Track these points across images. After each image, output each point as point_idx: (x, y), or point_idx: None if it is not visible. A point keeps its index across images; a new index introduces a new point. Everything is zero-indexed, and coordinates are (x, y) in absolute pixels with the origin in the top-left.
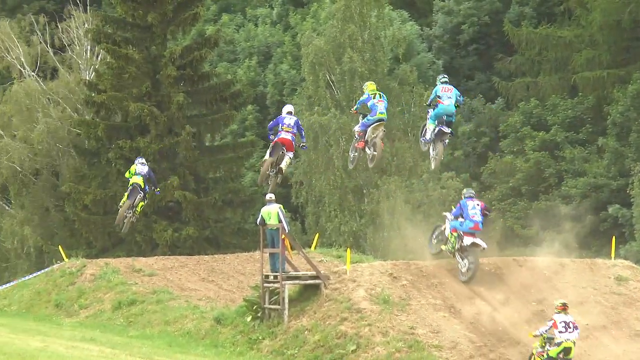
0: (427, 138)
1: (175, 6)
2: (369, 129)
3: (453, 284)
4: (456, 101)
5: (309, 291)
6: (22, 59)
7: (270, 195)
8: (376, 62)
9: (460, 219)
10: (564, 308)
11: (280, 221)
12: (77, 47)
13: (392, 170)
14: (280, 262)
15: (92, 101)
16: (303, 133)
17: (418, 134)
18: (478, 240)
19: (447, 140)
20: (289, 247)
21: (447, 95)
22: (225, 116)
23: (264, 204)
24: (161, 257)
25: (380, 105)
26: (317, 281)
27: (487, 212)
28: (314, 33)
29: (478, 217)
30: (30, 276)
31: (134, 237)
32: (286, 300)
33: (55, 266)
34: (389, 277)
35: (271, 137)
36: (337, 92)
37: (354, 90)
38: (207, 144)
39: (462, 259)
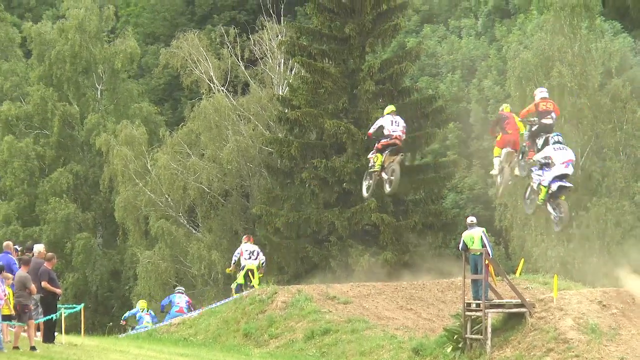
0: None
1: (375, 17)
2: None
3: None
4: None
5: (514, 320)
6: (212, 73)
7: (472, 219)
8: (586, 76)
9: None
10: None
11: (483, 246)
12: (270, 61)
13: (603, 191)
14: (483, 289)
15: (285, 118)
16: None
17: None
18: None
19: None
20: (492, 273)
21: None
22: (427, 134)
23: (465, 228)
24: (357, 283)
25: None
26: (522, 309)
27: None
28: (520, 46)
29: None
30: (218, 304)
31: (329, 262)
32: (489, 330)
33: (245, 293)
34: (598, 305)
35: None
36: None
37: (564, 107)
38: (407, 163)
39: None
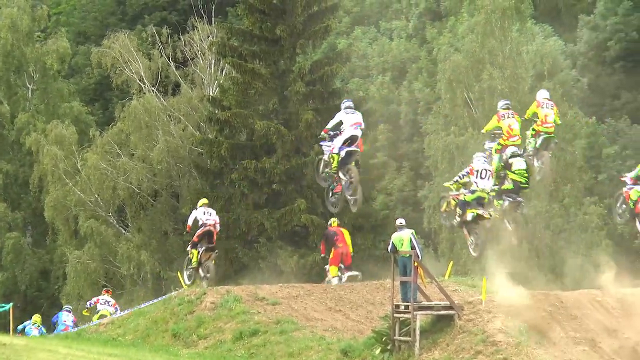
0: None
1: (306, 18)
2: None
3: (595, 316)
4: None
5: (442, 322)
6: (142, 73)
7: (401, 221)
8: (517, 79)
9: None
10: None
11: (412, 247)
12: (201, 61)
13: (532, 194)
14: (412, 291)
15: (215, 118)
16: None
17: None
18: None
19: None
20: (421, 275)
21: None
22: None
23: (395, 230)
24: (286, 284)
25: None
26: (450, 312)
27: None
28: (451, 48)
29: None
30: (147, 304)
31: (258, 263)
32: (417, 332)
33: (174, 293)
34: (526, 307)
35: None
36: (475, 111)
37: (494, 109)
38: None
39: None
